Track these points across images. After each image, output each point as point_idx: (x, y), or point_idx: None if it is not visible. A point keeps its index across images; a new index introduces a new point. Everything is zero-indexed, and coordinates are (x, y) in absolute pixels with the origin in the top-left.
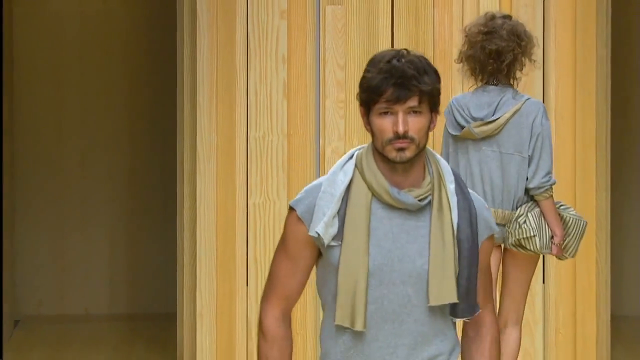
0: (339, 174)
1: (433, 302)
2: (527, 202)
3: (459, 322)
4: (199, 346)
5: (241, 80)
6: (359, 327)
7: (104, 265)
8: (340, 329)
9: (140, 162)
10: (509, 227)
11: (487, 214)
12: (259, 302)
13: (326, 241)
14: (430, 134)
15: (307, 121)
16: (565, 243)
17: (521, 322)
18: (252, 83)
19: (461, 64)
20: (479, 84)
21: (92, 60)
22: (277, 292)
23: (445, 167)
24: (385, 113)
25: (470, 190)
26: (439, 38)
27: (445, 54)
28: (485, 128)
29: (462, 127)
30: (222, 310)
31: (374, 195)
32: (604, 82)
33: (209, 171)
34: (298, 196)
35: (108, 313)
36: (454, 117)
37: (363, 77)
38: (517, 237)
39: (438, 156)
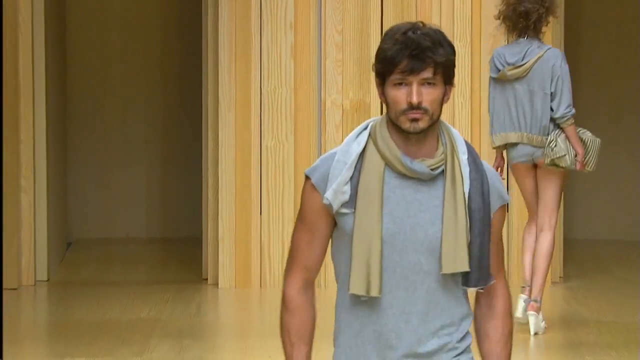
0: (352, 143)
1: (445, 270)
2: (555, 130)
3: (472, 292)
4: (221, 265)
5: (255, 43)
6: (374, 293)
7: (142, 197)
8: (355, 298)
9: (171, 110)
10: (544, 151)
11: (499, 185)
12: (270, 233)
13: (335, 207)
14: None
15: (311, 77)
16: (586, 160)
17: (554, 227)
18: (264, 45)
19: (499, 22)
20: (514, 38)
21: (131, 26)
22: (297, 263)
23: (459, 139)
24: (400, 84)
25: (483, 162)
26: (421, 6)
27: (427, 20)
28: (515, 71)
29: (500, 71)
30: (239, 234)
31: (387, 164)
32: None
33: (229, 119)
34: (313, 165)
35: (145, 237)
36: (494, 63)
37: (379, 49)
38: (552, 157)
39: (452, 128)
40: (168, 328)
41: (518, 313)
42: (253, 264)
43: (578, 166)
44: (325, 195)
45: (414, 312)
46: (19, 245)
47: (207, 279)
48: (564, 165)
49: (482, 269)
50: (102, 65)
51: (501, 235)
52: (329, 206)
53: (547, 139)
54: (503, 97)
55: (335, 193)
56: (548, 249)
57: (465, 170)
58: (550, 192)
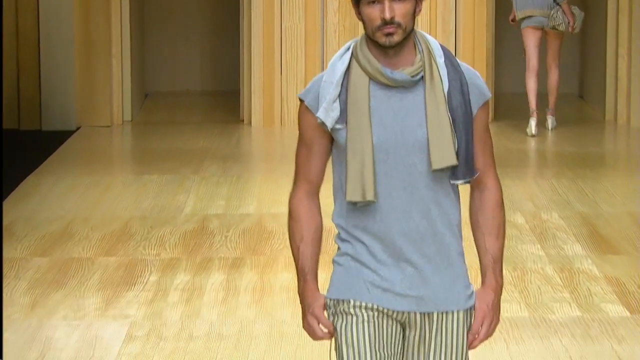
0: (337, 63)
1: (435, 166)
2: (555, 6)
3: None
4: (253, 110)
5: None
6: (369, 197)
7: (198, 60)
8: (353, 206)
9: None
10: (548, 19)
11: (479, 82)
12: (288, 87)
13: (329, 125)
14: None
15: (316, 16)
16: (575, 25)
17: (559, 67)
18: None
19: None
20: None
21: None
22: (300, 177)
23: (435, 44)
24: (373, 2)
25: (462, 63)
26: None
27: None
28: None
29: None
30: (266, 88)
31: (371, 78)
32: None
33: (258, 4)
34: (305, 88)
35: (200, 90)
36: None
37: None
38: (553, 24)
39: (427, 36)
40: (216, 154)
41: (532, 130)
42: (275, 109)
43: (570, 29)
44: (317, 114)
45: (416, 210)
46: (111, 95)
47: (243, 120)
48: (561, 29)
49: (468, 163)
50: None
51: (488, 131)
52: (323, 124)
53: (551, 12)
54: None
55: (326, 111)
56: (557, 79)
57: (443, 71)
58: (554, 46)
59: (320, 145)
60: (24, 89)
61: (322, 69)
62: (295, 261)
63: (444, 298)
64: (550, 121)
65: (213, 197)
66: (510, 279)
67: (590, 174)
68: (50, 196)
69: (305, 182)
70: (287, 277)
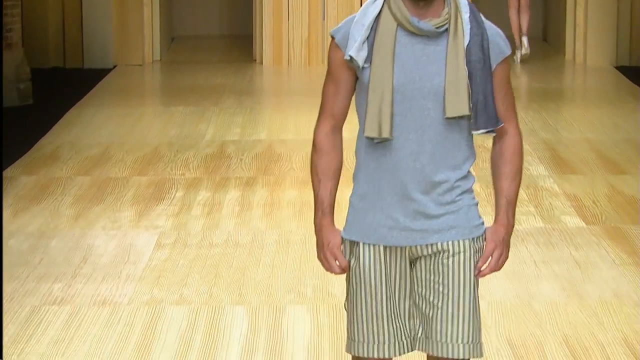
0: (370, 7)
1: (448, 114)
2: None
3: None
4: (264, 51)
5: None
6: (385, 134)
7: (217, 7)
8: (370, 141)
9: None
10: None
11: (499, 40)
12: (294, 31)
13: (360, 63)
14: None
15: None
16: None
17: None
18: None
19: None
20: None
21: None
22: (325, 112)
23: (463, 1)
24: None
25: (486, 20)
26: None
27: None
28: None
29: None
30: (275, 32)
31: (399, 25)
32: None
33: None
34: (337, 26)
35: (219, 34)
36: None
37: None
38: None
39: None
40: (232, 89)
41: (521, 53)
42: (283, 51)
43: None
44: (349, 53)
45: (423, 152)
46: (143, 38)
47: (255, 60)
48: None
49: (488, 113)
50: None
51: (509, 85)
52: (352, 61)
53: None
54: None
55: (357, 50)
56: (529, 16)
57: (467, 27)
58: None
59: (346, 82)
60: (68, 32)
61: (324, 17)
62: (314, 192)
63: (448, 229)
64: (525, 40)
65: (230, 125)
66: (484, 195)
67: (552, 106)
68: (91, 125)
69: (330, 116)
70: (294, 194)
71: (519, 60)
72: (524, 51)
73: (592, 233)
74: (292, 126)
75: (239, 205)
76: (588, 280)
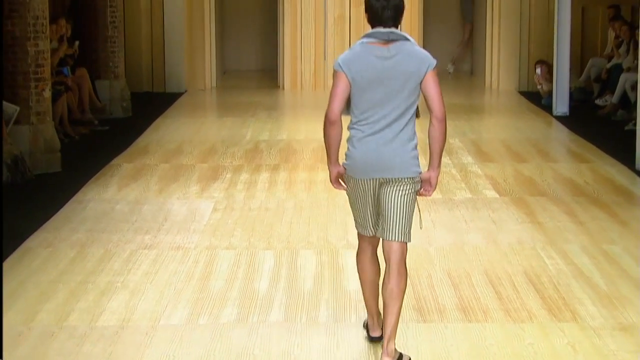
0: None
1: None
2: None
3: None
4: (285, 80)
5: None
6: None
7: (254, 51)
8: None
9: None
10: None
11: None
12: (306, 65)
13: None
14: None
15: (321, 24)
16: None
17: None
18: None
19: None
20: None
21: None
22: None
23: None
24: None
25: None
26: None
27: None
28: None
29: None
30: (293, 67)
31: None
32: None
33: (287, 21)
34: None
35: (255, 69)
36: None
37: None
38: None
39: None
40: (264, 105)
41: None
42: (297, 80)
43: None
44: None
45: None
46: (204, 71)
47: (279, 86)
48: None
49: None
50: None
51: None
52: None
53: None
54: None
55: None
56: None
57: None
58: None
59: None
60: (155, 68)
61: (325, 57)
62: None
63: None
64: (450, 65)
65: (262, 130)
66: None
67: (476, 116)
68: (170, 129)
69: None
70: (305, 175)
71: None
72: (451, 70)
73: (503, 202)
74: (303, 130)
75: (268, 182)
76: (500, 232)
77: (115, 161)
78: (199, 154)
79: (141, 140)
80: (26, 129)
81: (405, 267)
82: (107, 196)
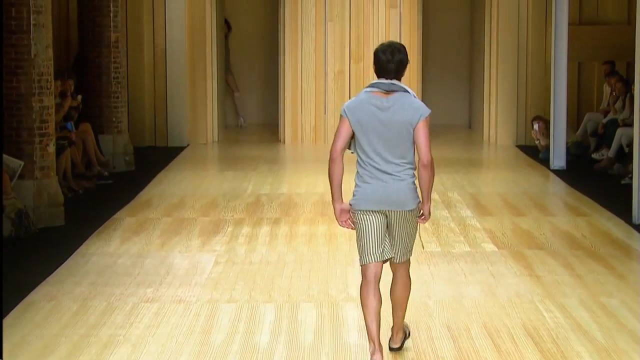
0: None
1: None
2: None
3: None
4: (286, 134)
5: None
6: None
7: (255, 107)
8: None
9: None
10: None
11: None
12: (305, 123)
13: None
14: None
15: (321, 81)
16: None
17: None
18: None
19: None
20: None
21: None
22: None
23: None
24: None
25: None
26: None
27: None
28: None
29: None
30: (294, 123)
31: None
32: None
33: (288, 72)
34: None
35: (256, 122)
36: None
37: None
38: None
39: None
40: (265, 159)
41: None
42: (298, 134)
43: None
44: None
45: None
46: (206, 125)
47: (280, 140)
48: None
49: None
50: None
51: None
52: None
53: None
54: None
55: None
56: None
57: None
58: None
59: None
60: (157, 123)
61: (325, 112)
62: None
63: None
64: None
65: (263, 183)
66: (431, 230)
67: (474, 170)
68: (172, 182)
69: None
70: (305, 228)
71: None
72: None
73: (501, 255)
74: (304, 183)
75: (269, 236)
76: (499, 285)
77: (118, 215)
78: (201, 208)
79: (144, 194)
80: (30, 184)
81: (410, 277)
82: (109, 250)
